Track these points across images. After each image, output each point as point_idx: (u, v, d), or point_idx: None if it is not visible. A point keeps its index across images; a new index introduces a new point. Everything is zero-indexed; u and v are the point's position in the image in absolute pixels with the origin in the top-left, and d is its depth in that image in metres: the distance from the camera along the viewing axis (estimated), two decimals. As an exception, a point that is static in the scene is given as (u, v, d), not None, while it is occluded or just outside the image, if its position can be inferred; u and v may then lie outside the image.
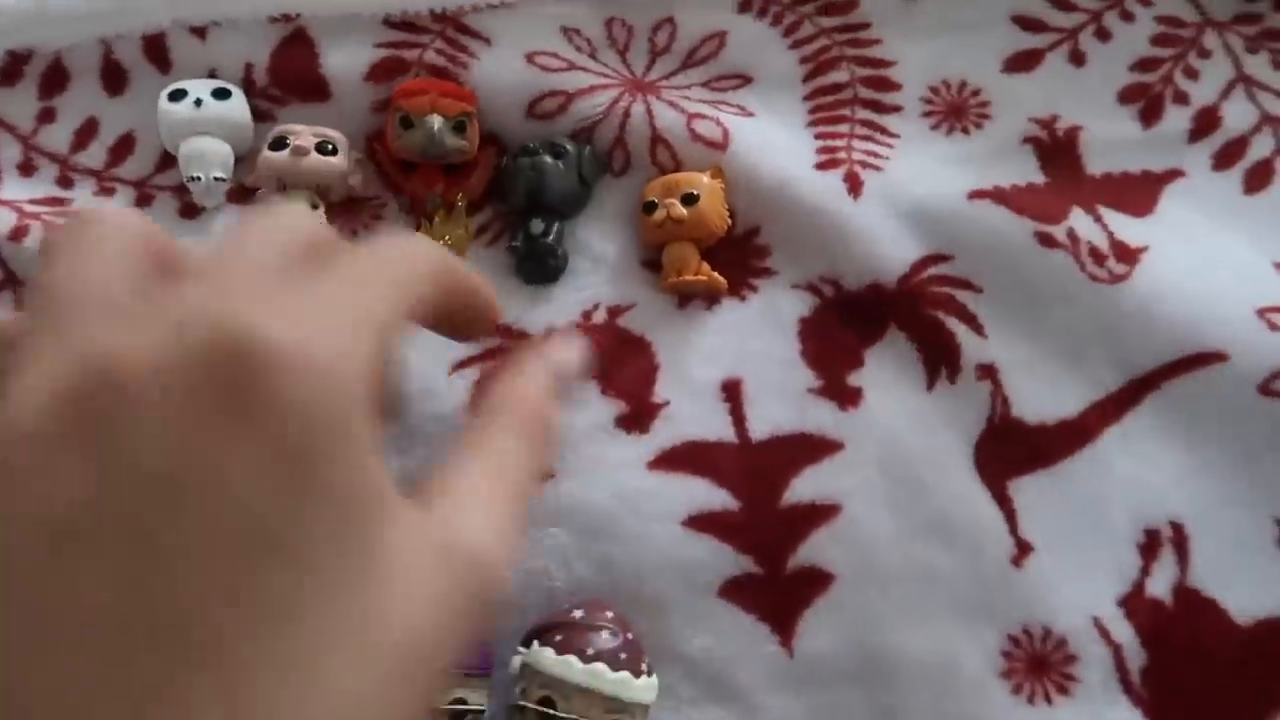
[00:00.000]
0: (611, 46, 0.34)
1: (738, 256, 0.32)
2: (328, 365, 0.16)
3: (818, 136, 0.33)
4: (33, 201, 0.32)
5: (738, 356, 0.31)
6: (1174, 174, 0.34)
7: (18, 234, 0.31)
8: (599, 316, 0.32)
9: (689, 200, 0.31)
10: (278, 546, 0.16)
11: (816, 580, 0.29)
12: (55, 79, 0.34)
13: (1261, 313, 0.31)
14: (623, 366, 0.31)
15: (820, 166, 0.32)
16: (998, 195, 0.32)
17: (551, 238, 0.31)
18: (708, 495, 0.30)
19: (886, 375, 0.31)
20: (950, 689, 0.28)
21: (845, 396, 0.31)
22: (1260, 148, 0.35)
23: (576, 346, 0.24)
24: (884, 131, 0.34)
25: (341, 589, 0.17)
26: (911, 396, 0.31)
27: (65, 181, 0.33)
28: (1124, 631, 0.29)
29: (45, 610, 0.16)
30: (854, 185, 0.32)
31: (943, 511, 0.30)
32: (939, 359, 0.31)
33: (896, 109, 0.34)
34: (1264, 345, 0.30)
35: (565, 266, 0.32)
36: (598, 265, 0.32)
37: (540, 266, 0.32)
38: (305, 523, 0.16)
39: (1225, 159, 0.34)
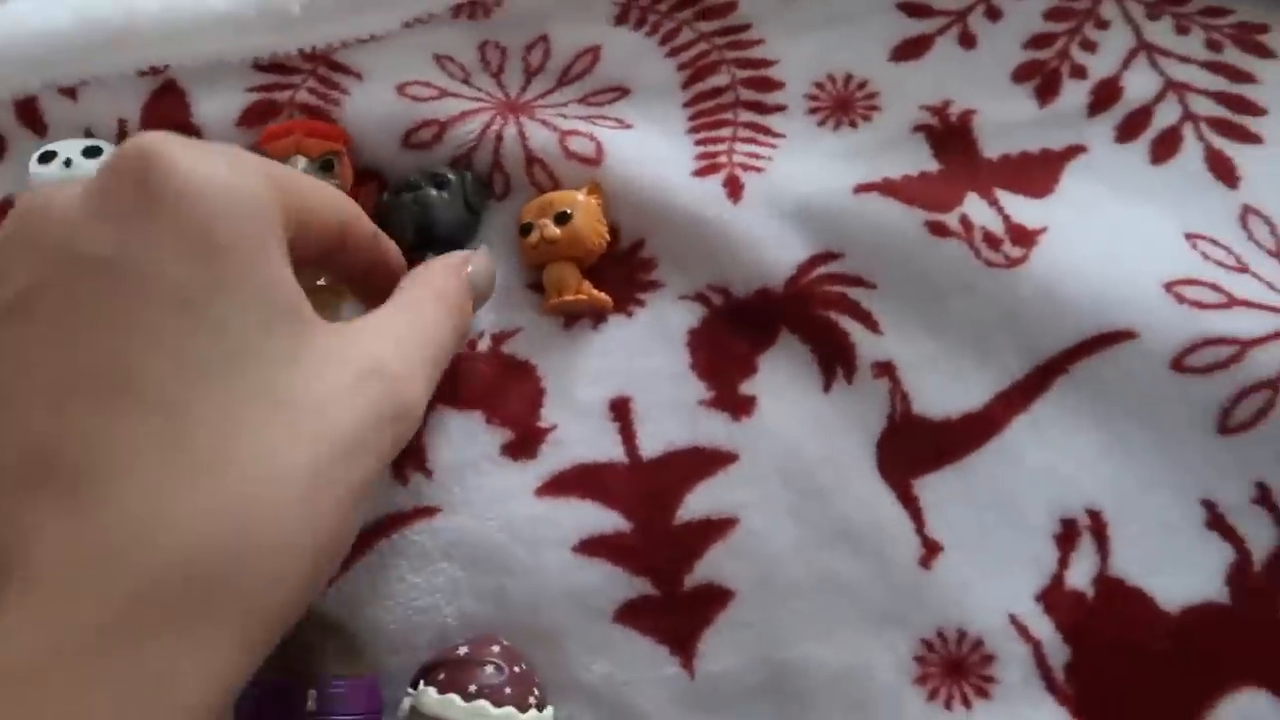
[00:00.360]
0: (485, 70, 0.34)
1: (624, 272, 0.32)
2: (230, 177, 0.20)
3: (699, 143, 0.33)
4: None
5: (626, 374, 0.30)
6: (1075, 150, 0.33)
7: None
8: (483, 344, 0.31)
9: (562, 219, 0.30)
10: (203, 314, 0.19)
11: (715, 597, 0.28)
12: (-67, 151, 0.34)
13: (1170, 286, 0.29)
14: (508, 393, 0.30)
15: (699, 173, 0.32)
16: (886, 187, 0.31)
17: None
18: (599, 518, 0.29)
19: (780, 380, 0.30)
20: (862, 700, 0.27)
21: (738, 406, 0.30)
22: (1165, 116, 0.33)
23: (487, 259, 0.28)
24: (767, 132, 0.33)
25: (266, 365, 0.20)
26: (807, 400, 0.30)
27: (-52, 252, 0.33)
28: (1044, 627, 0.28)
29: (3, 380, 0.19)
30: (734, 189, 0.31)
31: (845, 517, 0.28)
32: (834, 360, 0.30)
33: (780, 108, 0.34)
34: (1174, 320, 0.29)
35: None
36: (482, 294, 0.32)
37: None
38: (221, 296, 0.20)
39: (1129, 130, 0.33)
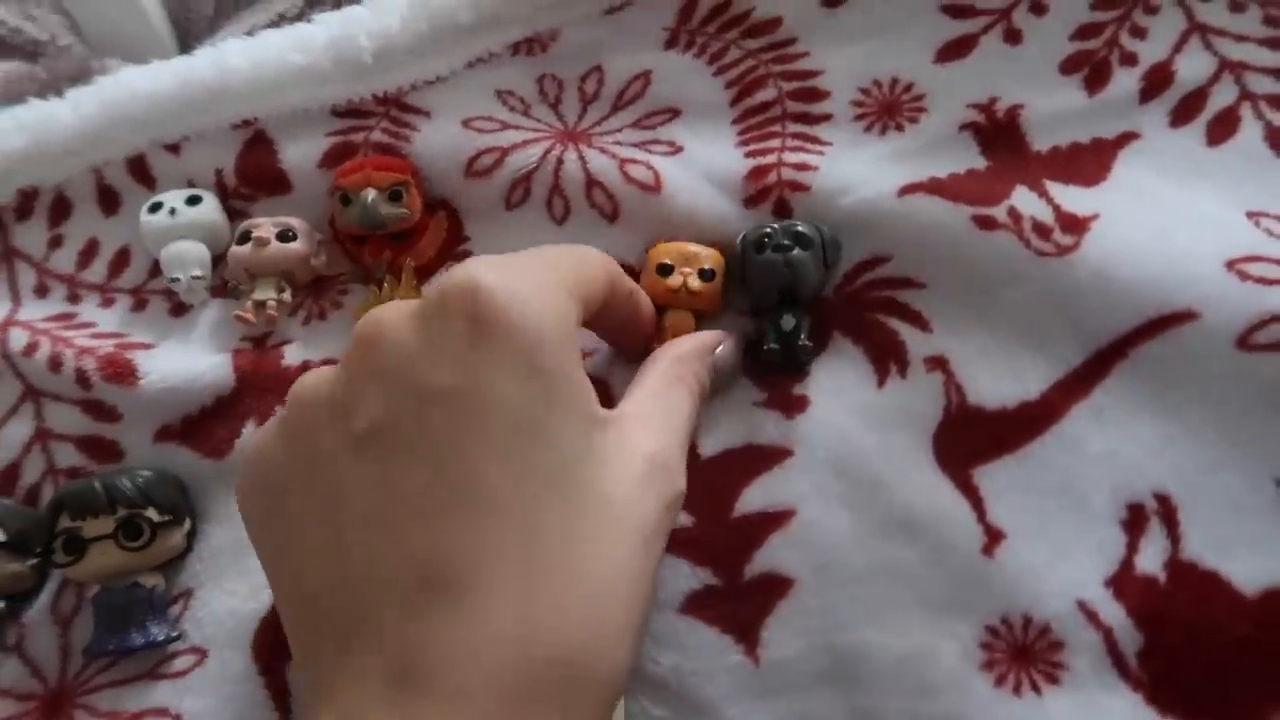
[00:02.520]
0: (544, 101, 0.36)
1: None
2: (536, 301, 0.23)
3: (749, 155, 0.34)
4: (44, 319, 0.36)
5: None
6: (1128, 137, 0.33)
7: (30, 350, 0.34)
8: (554, 360, 0.33)
9: (706, 276, 0.32)
10: (538, 431, 0.22)
11: (776, 586, 0.28)
12: (60, 209, 0.38)
13: (1231, 264, 0.29)
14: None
15: (749, 200, 0.33)
16: (932, 186, 0.32)
17: (804, 335, 0.31)
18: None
19: (833, 380, 0.31)
20: (928, 685, 0.27)
21: (791, 405, 0.31)
22: (1222, 96, 0.33)
23: (731, 343, 0.31)
24: (815, 141, 0.34)
25: (589, 469, 0.22)
26: (861, 397, 0.30)
27: (74, 298, 0.37)
28: (1114, 613, 0.27)
29: (362, 499, 0.22)
30: (783, 212, 0.33)
31: (904, 506, 0.29)
32: (886, 358, 0.31)
33: (827, 117, 0.34)
34: (1237, 298, 0.28)
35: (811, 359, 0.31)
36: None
37: (791, 363, 0.31)
38: (552, 412, 0.22)
39: (1183, 114, 0.33)
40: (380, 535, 0.22)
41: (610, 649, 0.21)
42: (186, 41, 0.47)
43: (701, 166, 0.34)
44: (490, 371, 0.22)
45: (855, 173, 0.33)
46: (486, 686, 0.20)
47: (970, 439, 0.29)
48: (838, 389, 0.31)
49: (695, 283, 0.31)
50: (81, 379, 0.34)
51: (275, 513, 0.24)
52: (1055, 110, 0.33)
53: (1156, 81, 0.33)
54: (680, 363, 0.28)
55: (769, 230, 0.31)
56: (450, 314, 0.22)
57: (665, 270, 0.32)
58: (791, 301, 0.31)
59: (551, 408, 0.22)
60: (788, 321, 0.31)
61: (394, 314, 0.23)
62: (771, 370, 0.31)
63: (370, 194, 0.33)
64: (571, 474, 0.22)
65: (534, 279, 0.24)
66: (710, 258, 0.32)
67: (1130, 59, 0.34)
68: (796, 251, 0.31)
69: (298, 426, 0.24)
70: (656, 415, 0.26)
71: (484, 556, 0.21)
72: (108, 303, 0.36)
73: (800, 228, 0.31)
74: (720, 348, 0.30)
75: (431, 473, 0.21)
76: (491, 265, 0.23)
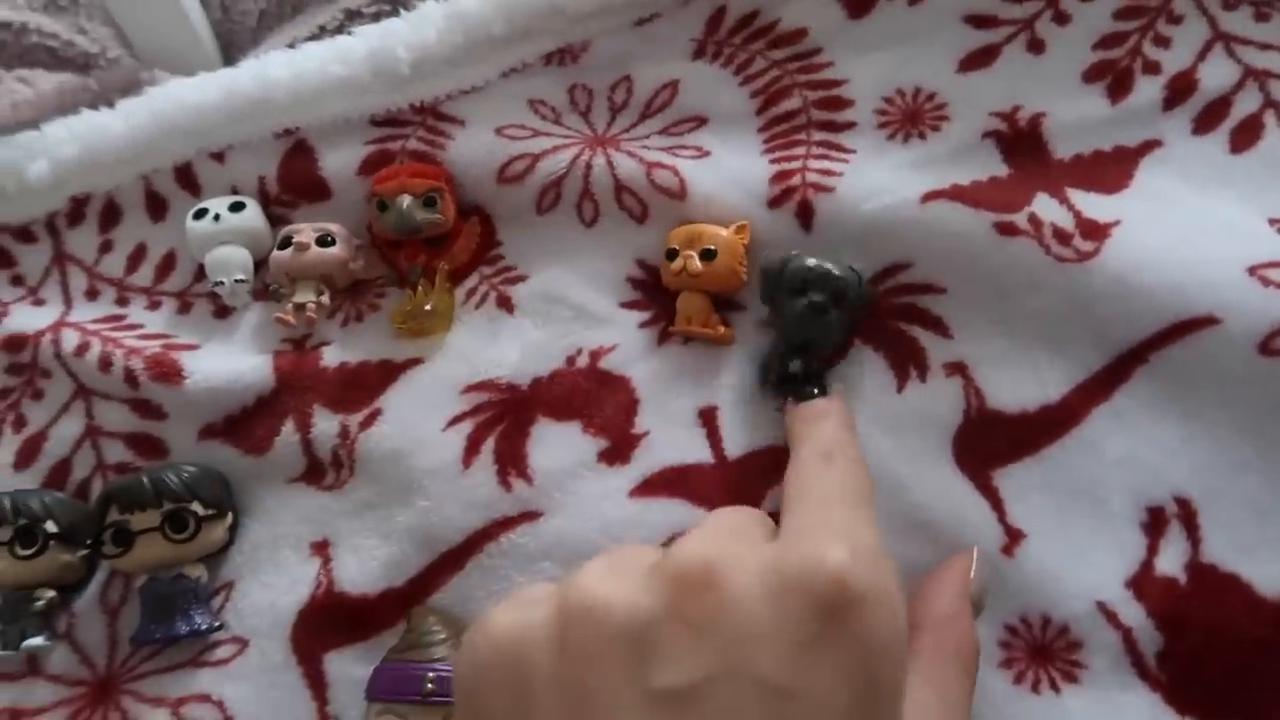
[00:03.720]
0: (574, 110, 0.37)
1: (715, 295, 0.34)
2: (895, 605, 0.20)
3: (774, 162, 0.34)
4: (95, 321, 0.37)
5: (712, 388, 0.32)
6: (1150, 145, 0.33)
7: (81, 350, 0.36)
8: (582, 361, 0.34)
9: (707, 255, 0.32)
10: None
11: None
12: (110, 215, 0.39)
13: (1253, 270, 0.29)
14: (604, 405, 0.33)
15: (773, 202, 0.34)
16: (954, 193, 0.32)
17: (810, 382, 0.31)
18: (687, 515, 0.31)
19: (854, 386, 0.31)
20: None
21: (814, 408, 0.31)
22: (1245, 104, 0.33)
23: (979, 565, 0.27)
24: (839, 149, 0.35)
25: None
26: (881, 400, 0.31)
27: (122, 301, 0.38)
28: (1134, 614, 0.28)
29: None
30: (806, 217, 0.33)
31: (924, 508, 0.29)
32: (906, 363, 0.31)
33: (850, 125, 0.35)
34: (1259, 303, 0.29)
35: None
36: (579, 314, 0.34)
37: (785, 395, 0.31)
38: None
39: (1206, 122, 0.33)
40: None
41: None
42: (230, 53, 0.48)
43: (727, 171, 0.35)
44: (830, 682, 0.19)
45: (878, 180, 0.33)
46: None
47: (990, 442, 0.30)
48: (858, 393, 0.31)
49: (695, 265, 0.32)
50: (130, 378, 0.35)
51: (518, 716, 0.21)
52: (1078, 118, 0.34)
53: (1179, 90, 0.34)
54: (948, 631, 0.25)
55: (806, 273, 0.30)
56: (805, 599, 0.20)
57: (672, 255, 0.33)
58: (806, 350, 0.31)
59: None
60: (795, 366, 0.31)
61: (738, 565, 0.20)
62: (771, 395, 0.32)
63: (405, 200, 0.34)
64: None
65: (892, 576, 0.21)
66: (713, 237, 0.32)
67: (1153, 67, 0.34)
68: (833, 314, 0.30)
69: (581, 645, 0.20)
70: (937, 714, 0.23)
71: None
72: (155, 305, 0.38)
73: (836, 274, 0.30)
74: (974, 583, 0.27)
75: None
76: (859, 555, 0.21)
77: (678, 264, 0.32)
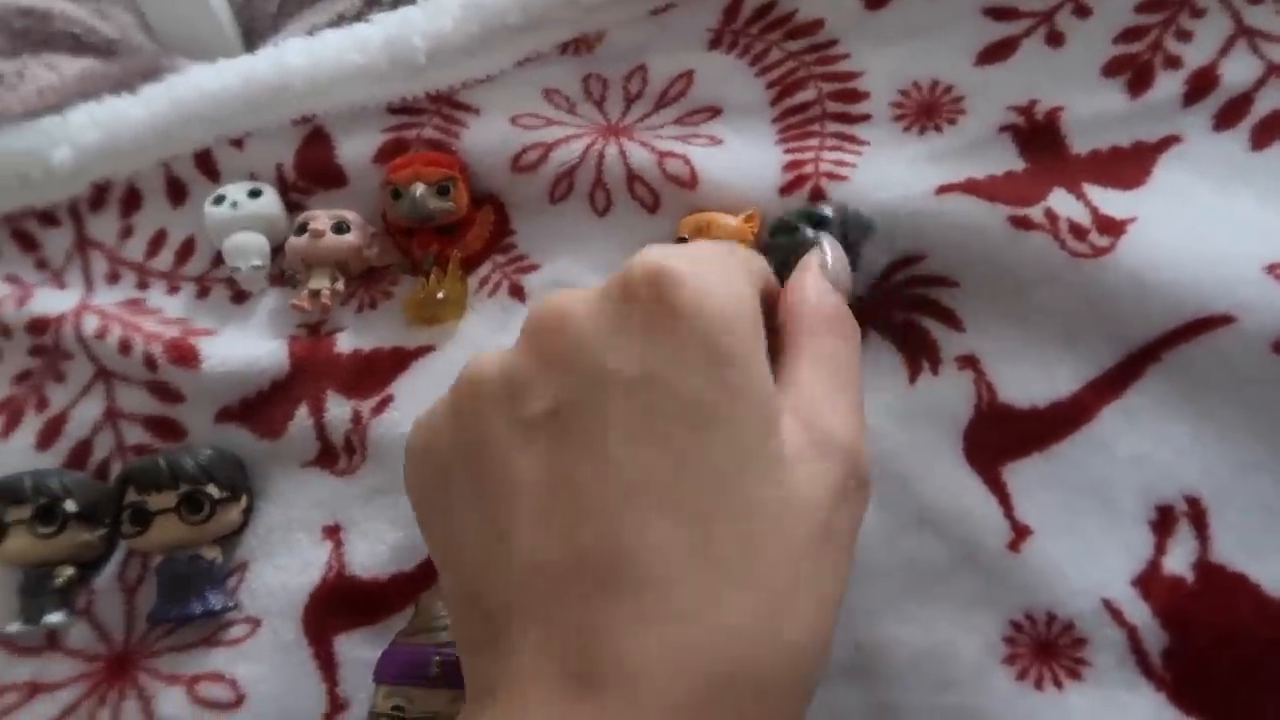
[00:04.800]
0: (588, 99, 0.37)
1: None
2: (720, 285, 0.22)
3: (787, 151, 0.34)
4: (115, 305, 0.38)
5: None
6: (1169, 141, 0.33)
7: (101, 333, 0.37)
8: (593, 349, 0.34)
9: None
10: (718, 426, 0.21)
11: (804, 580, 0.29)
12: (131, 200, 0.40)
13: (1271, 269, 0.29)
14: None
15: (784, 189, 0.34)
16: (969, 186, 0.32)
17: None
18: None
19: (866, 378, 0.31)
20: (949, 679, 0.28)
21: (823, 400, 0.31)
22: (1268, 100, 0.33)
23: (831, 248, 0.29)
24: (853, 140, 0.35)
25: (765, 466, 0.21)
26: (892, 393, 0.31)
27: (143, 285, 0.39)
28: (1140, 612, 0.28)
29: (532, 490, 0.21)
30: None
31: (932, 502, 0.29)
32: (918, 355, 0.31)
33: (865, 117, 0.35)
34: (1276, 302, 0.28)
35: None
36: (591, 301, 0.35)
37: None
38: (734, 406, 0.21)
39: (1227, 118, 0.33)
40: (548, 526, 0.21)
41: (792, 658, 0.20)
42: (251, 39, 0.49)
43: (738, 160, 0.35)
44: (673, 360, 0.21)
45: (892, 172, 0.33)
46: (667, 691, 0.19)
47: (1000, 437, 0.30)
48: (870, 386, 0.31)
49: None
50: (149, 362, 0.36)
51: (439, 493, 0.24)
52: (1096, 113, 0.33)
53: (1200, 85, 0.33)
54: (816, 302, 0.26)
55: (787, 215, 0.32)
56: (635, 299, 0.22)
57: (682, 243, 0.33)
58: None
59: (733, 400, 0.21)
60: None
61: (575, 299, 0.23)
62: None
63: (419, 189, 0.34)
64: (747, 473, 0.21)
65: (721, 266, 0.23)
66: (721, 226, 0.32)
67: (1174, 62, 0.34)
68: (805, 232, 0.31)
69: (466, 406, 0.23)
70: (821, 387, 0.24)
71: (660, 558, 0.20)
72: (174, 290, 0.38)
73: (824, 209, 0.31)
74: (831, 265, 0.28)
75: (604, 465, 0.20)
76: (676, 251, 0.23)
77: None
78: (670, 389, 0.21)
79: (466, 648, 0.23)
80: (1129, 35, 0.35)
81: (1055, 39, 0.35)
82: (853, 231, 0.32)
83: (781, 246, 0.31)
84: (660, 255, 0.22)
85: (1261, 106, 0.33)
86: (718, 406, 0.21)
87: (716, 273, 0.22)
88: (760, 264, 0.26)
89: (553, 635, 0.20)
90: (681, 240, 0.33)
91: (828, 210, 0.32)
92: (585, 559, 0.20)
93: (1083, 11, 0.35)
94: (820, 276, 0.27)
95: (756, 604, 0.20)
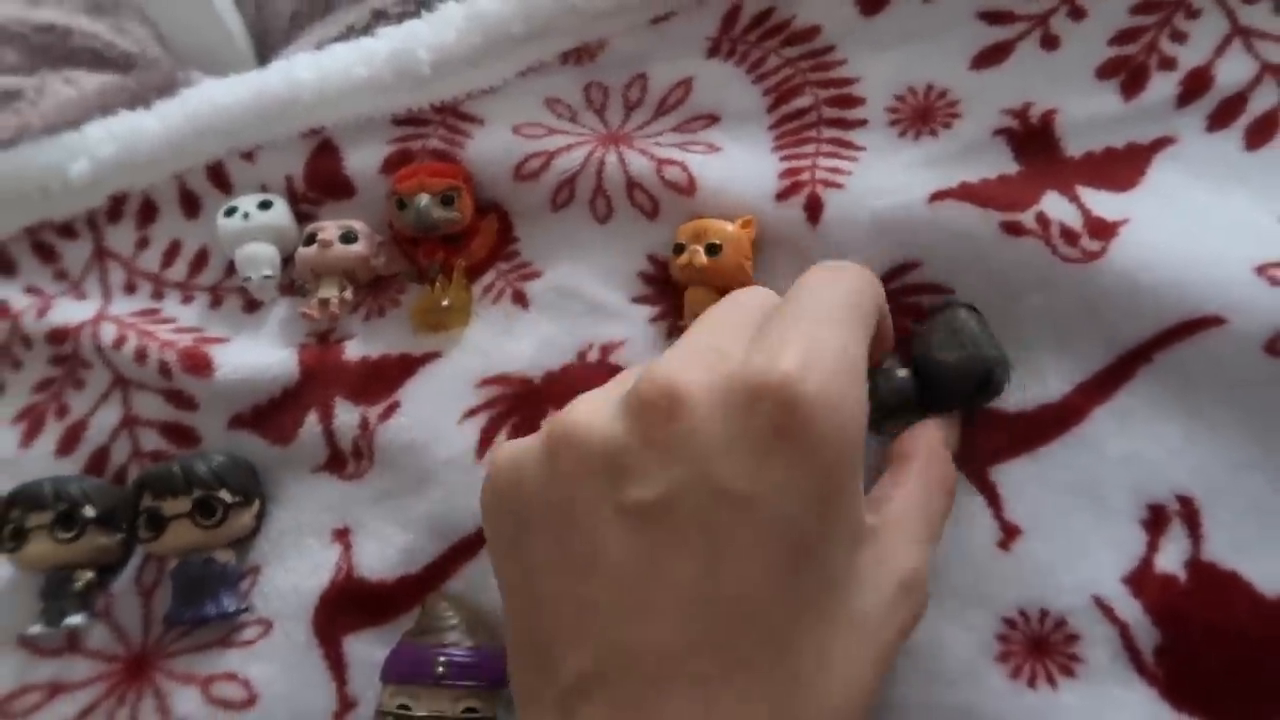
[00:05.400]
0: (589, 108, 0.38)
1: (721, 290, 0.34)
2: (845, 412, 0.22)
3: (783, 159, 0.35)
4: (131, 314, 0.39)
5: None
6: (1163, 142, 0.33)
7: (119, 343, 0.38)
8: (593, 355, 0.34)
9: (712, 250, 0.33)
10: (809, 553, 0.22)
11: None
12: (147, 212, 0.41)
13: (1262, 269, 0.29)
14: (613, 398, 0.33)
15: (781, 196, 0.34)
16: (962, 192, 0.32)
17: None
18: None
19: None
20: (942, 676, 0.28)
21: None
22: (1262, 100, 0.33)
23: (956, 425, 0.30)
24: (849, 146, 0.35)
25: (849, 591, 0.22)
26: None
27: (158, 295, 0.40)
28: (1131, 609, 0.28)
29: (621, 570, 0.22)
30: (814, 212, 0.34)
31: None
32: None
33: (861, 123, 0.35)
34: (1267, 303, 0.29)
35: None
36: (592, 309, 0.35)
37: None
38: (828, 537, 0.22)
39: (1221, 118, 0.33)
40: (633, 611, 0.21)
41: None
42: (264, 51, 0.50)
43: (736, 167, 0.35)
44: (784, 483, 0.21)
45: (887, 179, 0.34)
46: None
47: (989, 439, 0.30)
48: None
49: (700, 259, 0.33)
50: (164, 370, 0.37)
51: (519, 539, 0.24)
52: (1090, 115, 0.34)
53: (1195, 86, 0.33)
54: (938, 457, 0.28)
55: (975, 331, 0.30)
56: (757, 409, 0.22)
57: (679, 250, 0.33)
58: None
59: (828, 525, 0.22)
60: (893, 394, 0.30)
61: (694, 383, 0.22)
62: None
63: (424, 199, 0.35)
64: (833, 595, 0.22)
65: (842, 375, 0.23)
66: (718, 232, 0.33)
67: (1169, 63, 0.34)
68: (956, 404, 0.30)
69: (565, 466, 0.23)
70: (915, 525, 0.25)
71: (736, 661, 0.21)
72: (188, 299, 0.39)
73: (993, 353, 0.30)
74: (949, 434, 0.29)
75: (701, 569, 0.21)
76: (807, 361, 0.22)
77: (684, 258, 0.33)
78: (776, 515, 0.21)
79: (527, 696, 0.24)
80: (1124, 37, 0.35)
81: (1050, 42, 0.35)
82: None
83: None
84: (790, 368, 0.22)
85: (1255, 106, 0.33)
86: (816, 536, 0.22)
87: (841, 386, 0.22)
88: (876, 299, 0.27)
89: (621, 709, 0.21)
90: (679, 248, 0.33)
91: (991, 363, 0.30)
92: (666, 647, 0.21)
93: (1078, 14, 0.35)
94: (947, 444, 0.29)
95: (824, 713, 0.21)
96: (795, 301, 0.25)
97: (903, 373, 0.30)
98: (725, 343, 0.24)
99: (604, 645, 0.22)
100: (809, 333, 0.23)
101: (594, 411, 0.23)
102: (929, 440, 0.28)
